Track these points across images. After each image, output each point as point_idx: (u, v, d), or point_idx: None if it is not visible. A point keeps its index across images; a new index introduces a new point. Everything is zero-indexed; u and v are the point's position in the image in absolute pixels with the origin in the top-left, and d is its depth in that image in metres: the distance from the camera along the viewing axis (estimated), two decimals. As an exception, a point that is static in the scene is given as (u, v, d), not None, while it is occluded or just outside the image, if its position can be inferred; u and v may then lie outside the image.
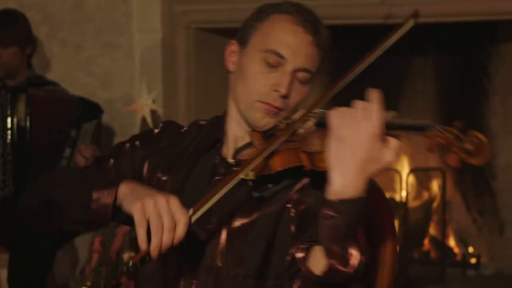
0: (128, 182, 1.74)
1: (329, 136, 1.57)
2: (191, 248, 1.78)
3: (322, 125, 1.70)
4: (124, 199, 1.70)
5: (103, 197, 1.72)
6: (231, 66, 1.89)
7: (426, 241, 5.01)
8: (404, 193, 4.86)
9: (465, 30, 4.76)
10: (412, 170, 5.01)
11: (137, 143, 1.95)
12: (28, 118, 3.73)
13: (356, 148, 1.53)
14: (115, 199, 1.71)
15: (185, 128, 1.98)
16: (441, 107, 5.07)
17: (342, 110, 1.57)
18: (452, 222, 5.05)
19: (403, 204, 4.83)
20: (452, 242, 5.00)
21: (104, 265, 3.86)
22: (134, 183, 1.75)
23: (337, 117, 1.56)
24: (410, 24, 1.85)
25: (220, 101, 4.93)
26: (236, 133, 1.88)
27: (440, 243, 4.89)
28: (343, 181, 1.54)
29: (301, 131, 1.75)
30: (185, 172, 1.87)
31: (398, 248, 1.96)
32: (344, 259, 1.55)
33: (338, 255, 1.55)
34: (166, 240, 1.61)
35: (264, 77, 1.80)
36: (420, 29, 5.04)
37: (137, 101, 4.07)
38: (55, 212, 1.80)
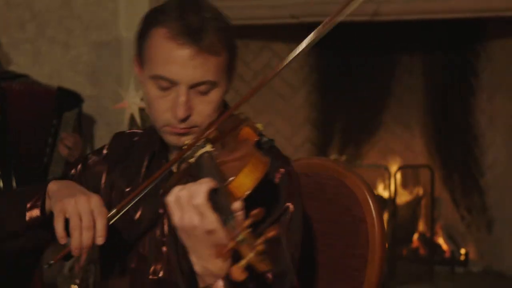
0: (55, 181, 1.73)
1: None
2: (152, 270, 1.77)
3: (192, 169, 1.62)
4: (51, 197, 1.69)
5: (35, 205, 1.73)
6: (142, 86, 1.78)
7: (415, 239, 5.02)
8: (392, 191, 4.86)
9: (452, 27, 4.77)
10: (401, 168, 5.02)
11: (90, 161, 1.89)
12: (3, 111, 3.72)
13: (199, 238, 1.45)
14: (44, 203, 1.71)
15: (138, 137, 1.90)
16: (428, 104, 5.08)
17: (178, 199, 1.46)
18: (440, 220, 5.06)
19: (392, 201, 4.83)
20: (440, 239, 5.01)
21: (93, 263, 3.85)
22: (61, 182, 1.73)
23: (174, 206, 1.47)
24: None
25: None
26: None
27: (428, 241, 4.90)
28: (201, 264, 1.48)
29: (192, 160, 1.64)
30: (143, 179, 1.82)
31: (386, 245, 1.96)
32: None
33: None
34: (86, 239, 1.60)
35: (161, 101, 1.70)
36: (407, 26, 5.07)
37: (125, 99, 4.06)
38: None
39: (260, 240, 1.32)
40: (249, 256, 1.31)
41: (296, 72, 4.99)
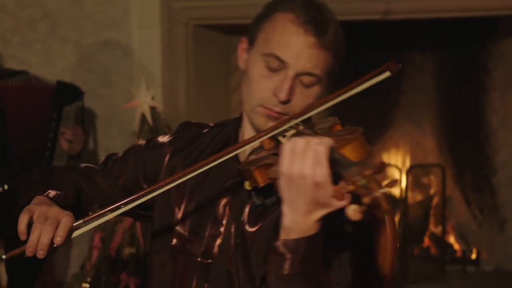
0: (40, 197, 1.76)
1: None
2: (206, 251, 1.78)
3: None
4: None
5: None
6: (241, 64, 1.84)
7: (426, 238, 5.01)
8: (403, 190, 4.85)
9: (464, 25, 4.75)
10: (412, 167, 5.01)
11: (158, 142, 1.97)
12: (1, 111, 3.74)
13: (302, 190, 1.46)
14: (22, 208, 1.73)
15: (207, 130, 1.96)
16: (440, 103, 5.07)
17: (295, 146, 1.47)
18: (452, 219, 5.05)
19: (403, 201, 4.83)
20: (452, 238, 5.00)
21: (104, 262, 3.86)
22: (44, 199, 1.76)
23: (288, 152, 1.48)
24: (385, 75, 1.75)
25: (219, 96, 4.94)
26: (250, 134, 1.83)
27: (440, 240, 4.89)
28: (292, 217, 1.49)
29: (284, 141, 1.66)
30: (203, 173, 1.82)
31: (398, 244, 1.95)
32: None
33: None
34: (44, 236, 1.62)
35: (265, 81, 1.74)
36: (419, 25, 5.06)
37: (136, 98, 4.06)
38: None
39: (385, 183, 1.35)
40: (373, 194, 1.34)
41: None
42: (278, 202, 1.69)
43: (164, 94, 4.36)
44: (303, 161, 1.45)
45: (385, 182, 1.35)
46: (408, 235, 4.83)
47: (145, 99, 4.03)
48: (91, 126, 4.42)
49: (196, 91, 4.59)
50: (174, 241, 1.84)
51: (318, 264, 1.52)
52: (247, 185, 1.66)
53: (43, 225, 1.63)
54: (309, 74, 1.74)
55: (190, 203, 1.85)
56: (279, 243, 1.51)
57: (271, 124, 1.74)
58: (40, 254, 1.63)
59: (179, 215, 1.85)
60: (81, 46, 4.51)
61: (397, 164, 5.00)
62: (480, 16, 4.35)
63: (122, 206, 1.69)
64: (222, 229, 1.79)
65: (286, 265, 1.51)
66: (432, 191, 5.06)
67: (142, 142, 2.00)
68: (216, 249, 1.79)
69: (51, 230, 1.63)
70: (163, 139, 1.99)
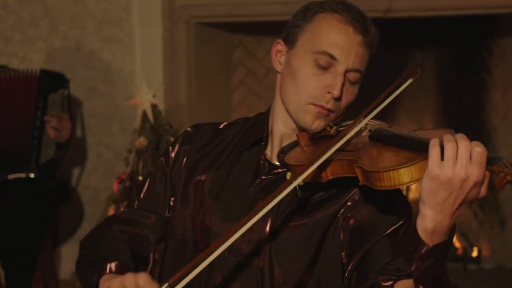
0: (105, 277, 1.72)
1: (425, 173, 1.53)
2: (233, 247, 1.75)
3: (376, 139, 1.68)
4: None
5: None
6: (278, 66, 1.86)
7: (427, 235, 5.01)
8: (404, 187, 4.85)
9: (465, 23, 4.75)
10: (413, 164, 5.00)
11: (171, 152, 1.94)
12: None
13: (459, 192, 1.52)
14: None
15: (223, 125, 1.96)
16: (441, 101, 5.07)
17: (457, 150, 1.51)
18: (452, 216, 5.05)
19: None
20: (453, 236, 5.00)
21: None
22: (110, 277, 1.72)
23: (449, 156, 1.51)
24: (409, 82, 1.78)
25: (220, 94, 4.95)
26: (282, 132, 1.85)
27: (440, 237, 4.89)
28: (437, 218, 1.54)
29: (352, 140, 1.71)
30: (226, 169, 1.85)
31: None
32: None
33: None
34: None
35: (315, 79, 1.77)
36: (420, 23, 5.05)
37: (137, 95, 4.06)
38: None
39: None
40: None
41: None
42: (324, 199, 1.74)
43: (166, 91, 4.37)
44: (466, 165, 1.50)
45: None
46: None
47: (147, 97, 4.03)
48: (78, 113, 4.43)
49: (198, 89, 4.59)
50: (198, 237, 1.82)
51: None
52: (300, 181, 1.65)
53: None
54: (356, 71, 1.78)
55: (216, 200, 1.83)
56: (425, 249, 1.56)
57: (318, 122, 1.78)
58: None
59: (205, 209, 1.84)
60: (82, 43, 4.51)
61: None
62: (481, 14, 4.35)
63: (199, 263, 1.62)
64: (254, 226, 1.75)
65: (433, 268, 1.58)
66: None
67: (161, 159, 1.95)
68: (245, 246, 1.77)
69: None
70: (174, 151, 1.95)
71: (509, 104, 4.83)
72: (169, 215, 1.90)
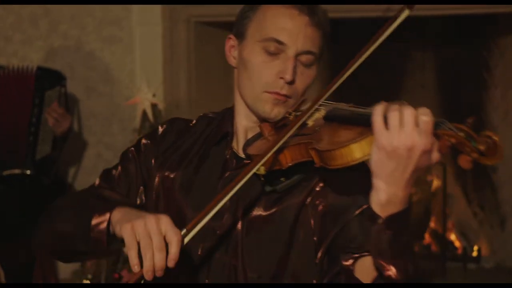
0: (121, 207, 1.69)
1: (375, 143, 1.50)
2: (205, 247, 1.76)
3: (331, 119, 1.67)
4: (117, 224, 1.65)
5: (99, 225, 1.68)
6: (232, 61, 1.86)
7: (427, 235, 5.01)
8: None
9: (465, 23, 4.75)
10: (413, 164, 5.00)
11: (142, 143, 1.93)
12: None
13: (407, 161, 1.48)
14: (109, 225, 1.67)
15: (194, 122, 1.96)
16: (441, 100, 5.07)
17: (400, 119, 1.49)
18: (452, 216, 5.05)
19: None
20: (452, 235, 5.00)
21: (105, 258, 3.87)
22: (127, 208, 1.69)
23: (393, 126, 1.49)
24: (405, 14, 1.77)
25: (220, 94, 4.94)
26: (245, 126, 1.85)
27: (440, 237, 4.89)
28: (390, 190, 1.51)
29: (309, 123, 1.70)
30: (194, 166, 1.85)
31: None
32: (400, 273, 1.57)
33: (395, 269, 1.56)
34: (158, 261, 1.54)
35: (267, 66, 1.77)
36: (420, 21, 5.04)
37: (137, 95, 4.07)
38: (63, 244, 1.80)
39: (485, 134, 1.48)
40: (488, 139, 1.48)
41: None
42: (290, 187, 1.72)
43: (165, 91, 4.37)
44: (412, 133, 1.47)
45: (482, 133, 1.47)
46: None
47: (146, 96, 4.04)
48: (75, 110, 4.43)
49: (197, 88, 4.59)
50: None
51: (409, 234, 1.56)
52: (262, 170, 1.64)
53: (154, 252, 1.55)
54: (308, 52, 1.77)
55: (186, 197, 1.82)
56: (381, 220, 1.52)
57: (277, 109, 1.77)
58: (159, 274, 1.56)
59: (176, 205, 1.83)
60: (82, 43, 4.51)
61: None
62: (481, 13, 4.35)
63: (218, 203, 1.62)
64: (223, 221, 1.76)
65: (391, 240, 1.52)
66: (433, 188, 5.06)
67: (131, 147, 1.94)
68: (216, 244, 1.76)
69: (163, 254, 1.55)
70: (147, 140, 1.94)
71: (509, 104, 4.83)
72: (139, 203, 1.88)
